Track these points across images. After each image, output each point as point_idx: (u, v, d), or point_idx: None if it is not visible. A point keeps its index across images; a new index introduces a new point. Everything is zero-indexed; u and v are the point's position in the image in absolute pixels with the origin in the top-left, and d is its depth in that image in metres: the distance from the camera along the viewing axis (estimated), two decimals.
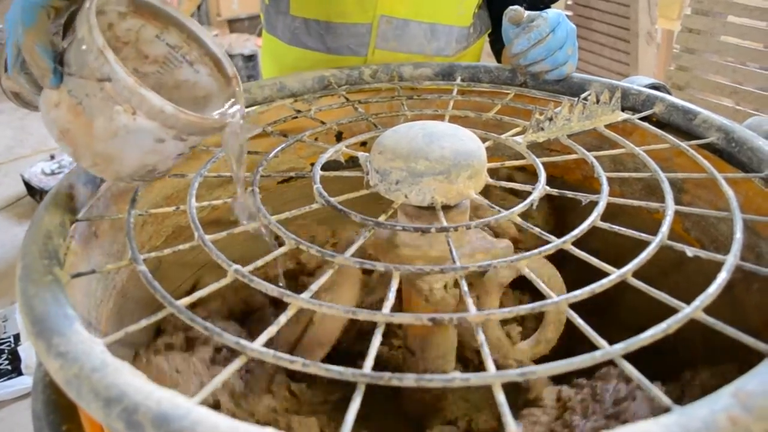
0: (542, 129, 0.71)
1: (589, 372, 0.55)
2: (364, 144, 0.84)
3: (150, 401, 0.34)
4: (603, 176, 0.61)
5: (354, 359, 0.80)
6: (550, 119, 0.71)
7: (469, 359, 0.83)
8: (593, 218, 0.54)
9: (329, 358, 0.72)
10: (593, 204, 0.56)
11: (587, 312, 0.45)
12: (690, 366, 0.67)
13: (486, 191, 0.76)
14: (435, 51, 1.10)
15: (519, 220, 0.55)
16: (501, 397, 0.35)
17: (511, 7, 0.86)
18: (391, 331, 0.87)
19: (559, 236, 0.51)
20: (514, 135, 0.72)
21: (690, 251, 0.49)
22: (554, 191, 0.59)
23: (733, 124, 0.72)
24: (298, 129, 0.79)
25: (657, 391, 0.36)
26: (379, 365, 0.36)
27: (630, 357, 0.39)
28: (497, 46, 1.20)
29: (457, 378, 0.36)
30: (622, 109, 0.79)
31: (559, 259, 0.59)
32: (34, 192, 2.65)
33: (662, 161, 0.74)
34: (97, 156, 0.53)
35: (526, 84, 0.91)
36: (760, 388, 0.34)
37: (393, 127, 0.63)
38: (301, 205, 0.59)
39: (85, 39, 0.48)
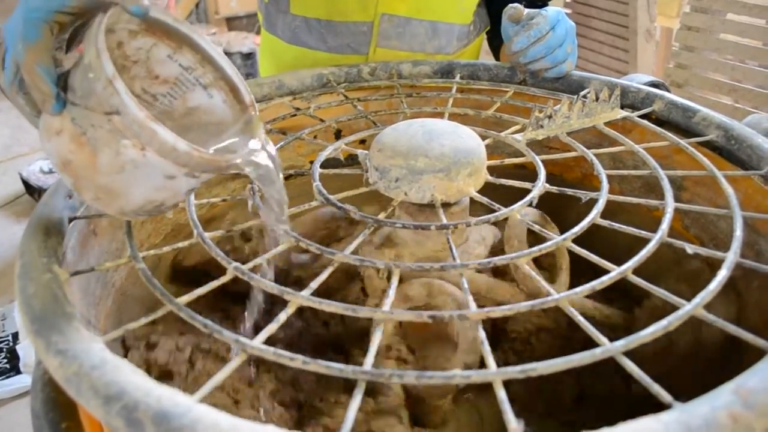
0: (542, 126, 0.71)
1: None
2: (363, 142, 0.84)
3: (150, 399, 0.34)
4: (603, 174, 0.61)
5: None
6: (550, 117, 0.71)
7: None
8: (593, 215, 0.54)
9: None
10: (592, 201, 0.56)
11: None
12: None
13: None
14: (436, 49, 1.09)
15: (518, 217, 0.55)
16: (502, 394, 0.35)
17: (510, 5, 0.86)
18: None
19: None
20: (513, 132, 0.72)
21: (690, 248, 0.49)
22: (554, 189, 0.59)
23: (733, 121, 0.72)
24: (297, 127, 0.79)
25: (658, 388, 0.36)
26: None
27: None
28: (495, 43, 1.20)
29: (458, 375, 0.36)
30: (622, 107, 0.79)
31: None
32: (32, 190, 2.64)
33: (661, 159, 0.74)
34: (100, 190, 0.48)
35: (526, 82, 0.91)
36: (762, 385, 0.34)
37: (392, 125, 0.63)
38: (300, 202, 0.59)
39: (93, 66, 0.43)
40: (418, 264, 0.47)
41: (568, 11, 3.00)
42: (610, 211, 0.55)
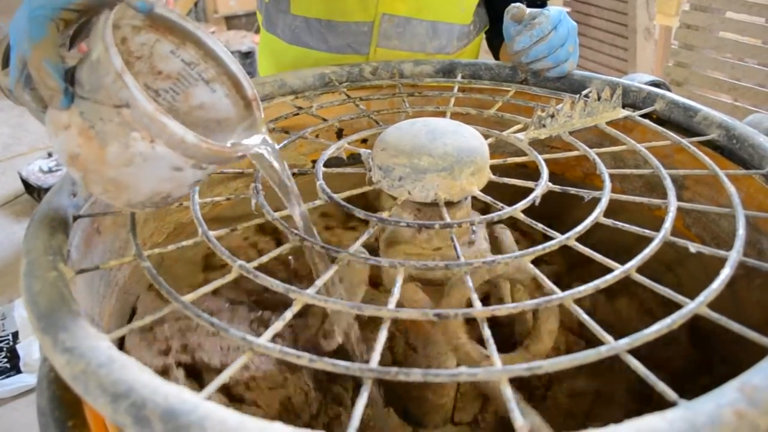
0: (544, 126, 0.71)
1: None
2: (365, 141, 0.84)
3: (158, 396, 0.34)
4: (605, 173, 0.61)
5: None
6: (552, 116, 0.71)
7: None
8: (596, 214, 0.54)
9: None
10: (595, 200, 0.56)
11: None
12: None
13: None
14: (436, 49, 1.10)
15: (522, 216, 0.55)
16: (508, 392, 0.35)
17: (513, 4, 0.86)
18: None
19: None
20: (515, 132, 0.72)
21: (693, 247, 0.49)
22: (557, 188, 0.59)
23: (734, 121, 0.72)
24: (299, 126, 0.79)
25: (663, 386, 0.36)
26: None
27: None
28: (495, 42, 1.20)
29: (464, 373, 0.36)
30: (623, 106, 0.79)
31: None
32: (32, 190, 2.64)
33: (663, 158, 0.74)
34: (108, 183, 0.48)
35: (527, 81, 0.91)
36: (766, 382, 0.34)
37: (395, 124, 0.63)
38: (302, 201, 0.59)
39: (102, 60, 0.44)
40: (423, 263, 0.47)
41: (568, 10, 3.00)
42: (610, 210, 0.55)
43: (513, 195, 0.60)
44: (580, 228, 0.52)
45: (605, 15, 2.83)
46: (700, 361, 0.75)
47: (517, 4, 0.86)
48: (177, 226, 0.81)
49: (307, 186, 0.64)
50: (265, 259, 0.49)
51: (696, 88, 2.39)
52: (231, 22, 4.60)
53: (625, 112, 0.77)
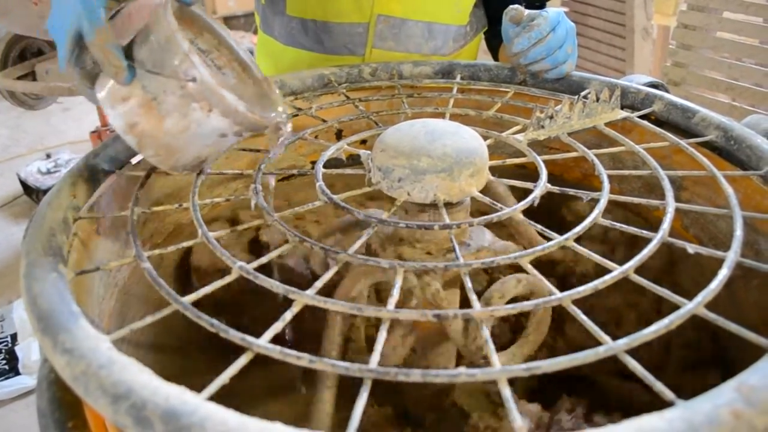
0: (543, 127, 0.71)
1: None
2: (364, 142, 0.84)
3: (158, 397, 0.34)
4: (604, 174, 0.61)
5: None
6: (551, 117, 0.71)
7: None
8: (595, 215, 0.54)
9: None
10: (593, 201, 0.57)
11: None
12: None
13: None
14: (432, 50, 1.10)
15: (521, 216, 0.55)
16: (507, 392, 0.35)
17: (511, 6, 0.86)
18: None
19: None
20: (514, 133, 0.72)
21: (691, 248, 0.49)
22: (555, 189, 0.59)
23: (732, 122, 0.72)
24: (299, 127, 0.79)
25: (661, 386, 0.36)
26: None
27: None
28: (494, 43, 1.20)
29: (463, 373, 0.36)
30: (622, 108, 0.79)
31: None
32: (30, 191, 2.64)
33: (661, 159, 0.74)
34: (161, 148, 0.56)
35: (526, 82, 0.91)
36: (763, 383, 0.34)
37: (395, 125, 0.64)
38: (302, 202, 0.59)
39: (169, 43, 0.51)
40: (422, 263, 0.47)
41: (566, 10, 3.00)
42: (608, 211, 0.56)
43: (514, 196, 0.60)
44: (579, 229, 0.52)
45: (603, 15, 2.83)
46: None
47: (516, 5, 0.86)
48: (176, 227, 0.81)
49: (307, 187, 0.64)
50: (264, 260, 0.50)
51: (693, 88, 2.39)
52: (230, 22, 4.60)
53: (624, 114, 0.77)
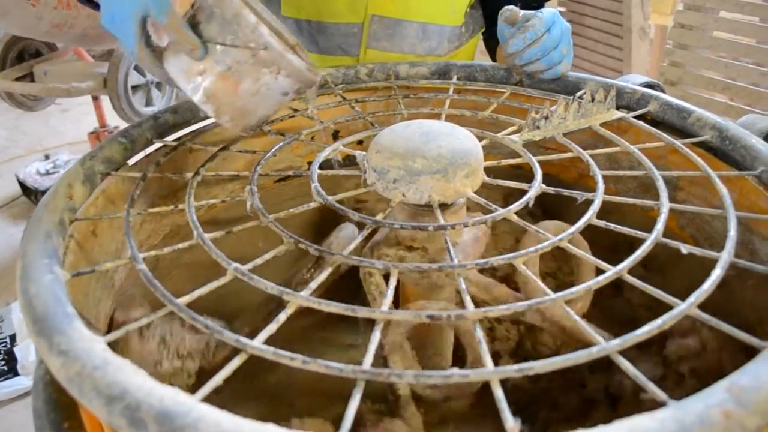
0: (538, 127, 0.71)
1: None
2: (360, 143, 0.85)
3: (152, 398, 0.34)
4: (598, 174, 0.62)
5: None
6: (546, 118, 0.71)
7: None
8: (589, 216, 0.54)
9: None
10: (588, 202, 0.57)
11: None
12: None
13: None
14: (427, 50, 1.10)
15: (515, 218, 0.55)
16: (499, 393, 0.36)
17: (506, 6, 0.86)
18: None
19: None
20: (510, 134, 0.73)
21: (684, 248, 0.50)
22: (550, 189, 0.60)
23: (727, 122, 0.72)
24: (295, 128, 0.79)
25: (653, 386, 0.36)
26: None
27: None
28: (491, 44, 1.21)
29: (456, 374, 0.36)
30: (617, 108, 0.80)
31: None
32: (29, 192, 2.64)
33: (657, 159, 0.74)
34: (236, 112, 0.62)
35: (522, 83, 0.91)
36: (754, 383, 0.34)
37: (390, 126, 0.64)
38: (298, 203, 0.59)
39: (238, 17, 0.58)
40: (416, 265, 0.47)
41: (563, 10, 3.01)
42: (605, 212, 0.56)
43: (509, 196, 0.60)
44: (573, 230, 0.52)
45: (600, 15, 2.83)
46: None
47: (511, 6, 0.86)
48: (173, 229, 0.81)
49: (304, 188, 0.64)
50: (259, 261, 0.50)
51: (690, 87, 2.39)
52: None
53: (619, 114, 0.77)
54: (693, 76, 2.38)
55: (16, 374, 1.80)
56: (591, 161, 0.64)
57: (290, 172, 0.70)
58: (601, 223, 0.54)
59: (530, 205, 0.57)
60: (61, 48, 2.65)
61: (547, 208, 0.92)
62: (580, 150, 0.67)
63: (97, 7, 0.81)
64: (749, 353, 0.39)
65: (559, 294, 0.44)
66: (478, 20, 1.18)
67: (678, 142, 0.69)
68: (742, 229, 0.68)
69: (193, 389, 0.52)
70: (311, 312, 0.44)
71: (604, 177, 0.62)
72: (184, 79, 0.61)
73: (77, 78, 2.34)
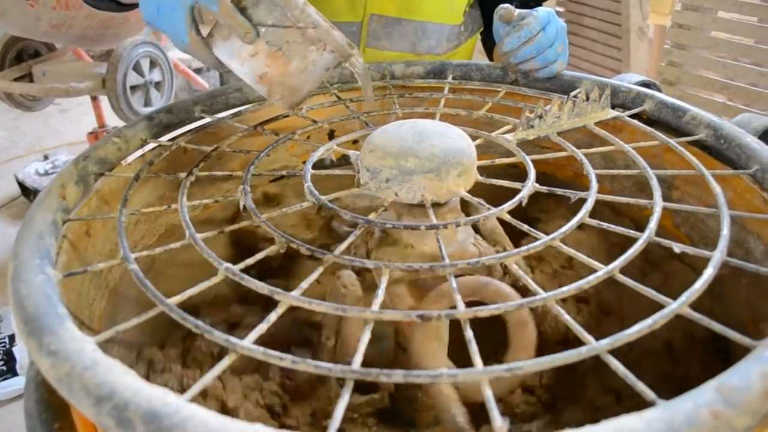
0: (532, 127, 0.71)
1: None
2: (355, 142, 0.85)
3: (140, 398, 0.34)
4: (592, 173, 0.62)
5: None
6: (540, 117, 0.71)
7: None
8: (582, 215, 0.54)
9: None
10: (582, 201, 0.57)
11: None
12: None
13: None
14: (426, 49, 1.10)
15: (508, 217, 0.55)
16: (488, 393, 0.36)
17: (501, 5, 0.86)
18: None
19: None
20: (504, 133, 0.73)
21: (677, 247, 0.49)
22: (543, 188, 0.60)
23: (722, 121, 0.72)
24: (290, 128, 0.79)
25: (642, 386, 0.36)
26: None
27: None
28: (489, 43, 1.21)
29: (444, 374, 0.36)
30: (613, 107, 0.79)
31: None
32: (28, 192, 2.64)
33: (652, 158, 0.74)
34: (286, 89, 0.66)
35: (518, 82, 0.91)
36: (744, 383, 0.34)
37: (383, 126, 0.64)
38: (294, 203, 0.59)
39: (284, 1, 0.61)
40: (408, 264, 0.47)
41: (561, 10, 3.00)
42: (601, 211, 0.56)
43: (503, 195, 0.60)
44: (565, 228, 0.52)
45: (598, 15, 2.83)
46: None
47: (506, 5, 0.86)
48: (168, 228, 0.81)
49: (299, 188, 0.64)
50: (251, 261, 0.50)
51: (688, 87, 2.39)
52: None
53: (614, 113, 0.77)
54: (691, 76, 2.37)
55: (15, 374, 1.80)
56: (585, 160, 0.64)
57: (284, 172, 0.70)
58: (594, 222, 0.54)
59: (523, 204, 0.57)
60: (59, 48, 2.64)
61: (542, 208, 0.93)
62: (574, 149, 0.67)
63: (120, 6, 0.82)
64: None
65: (551, 293, 0.44)
66: (477, 20, 1.18)
67: (672, 141, 0.69)
68: (737, 229, 0.67)
69: None
70: None
71: (600, 176, 0.61)
72: (236, 62, 0.65)
73: (76, 78, 2.34)
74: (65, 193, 0.61)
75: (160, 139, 0.75)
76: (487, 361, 0.38)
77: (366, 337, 0.40)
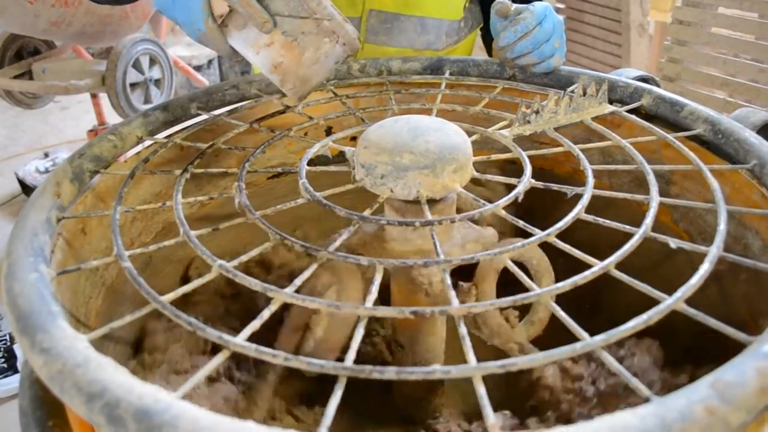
0: (528, 122, 0.71)
1: None
2: (353, 139, 0.84)
3: (131, 396, 0.34)
4: (588, 169, 0.61)
5: None
6: (537, 112, 0.71)
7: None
8: (577, 210, 0.54)
9: None
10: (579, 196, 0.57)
11: None
12: None
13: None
14: (425, 45, 1.10)
15: (503, 213, 0.55)
16: (481, 390, 0.35)
17: (498, 0, 0.86)
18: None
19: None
20: (501, 128, 0.72)
21: (673, 243, 0.49)
22: (539, 184, 0.59)
23: (720, 115, 0.72)
24: (287, 125, 0.79)
25: (636, 382, 0.36)
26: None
27: None
28: (488, 38, 1.20)
29: (438, 370, 0.36)
30: (610, 102, 0.79)
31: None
32: (28, 190, 2.64)
33: (650, 153, 0.74)
34: (298, 80, 0.68)
35: (515, 77, 0.91)
36: (739, 379, 0.34)
37: (378, 122, 0.64)
38: (290, 200, 0.59)
39: None
40: (402, 260, 0.47)
41: (561, 6, 3.00)
42: (599, 207, 0.55)
43: (501, 190, 0.60)
44: (561, 224, 0.52)
45: (599, 11, 2.82)
46: None
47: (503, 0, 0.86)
48: (165, 226, 0.81)
49: (296, 184, 0.64)
50: (244, 258, 0.49)
51: (689, 83, 2.38)
52: None
53: (611, 108, 0.77)
54: (692, 72, 2.37)
55: (16, 372, 1.80)
56: (581, 155, 0.64)
57: (279, 169, 0.70)
58: (590, 218, 0.53)
59: (519, 199, 0.57)
60: (59, 46, 2.64)
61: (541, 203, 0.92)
62: (571, 144, 0.67)
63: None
64: None
65: (545, 289, 0.44)
66: (476, 15, 1.18)
67: (670, 136, 0.69)
68: (735, 224, 0.67)
69: None
70: None
71: (598, 171, 0.61)
72: (252, 51, 0.66)
73: (76, 76, 2.34)
74: (60, 190, 0.61)
75: (156, 137, 0.75)
76: None
77: (359, 334, 0.40)
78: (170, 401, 0.33)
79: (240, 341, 0.39)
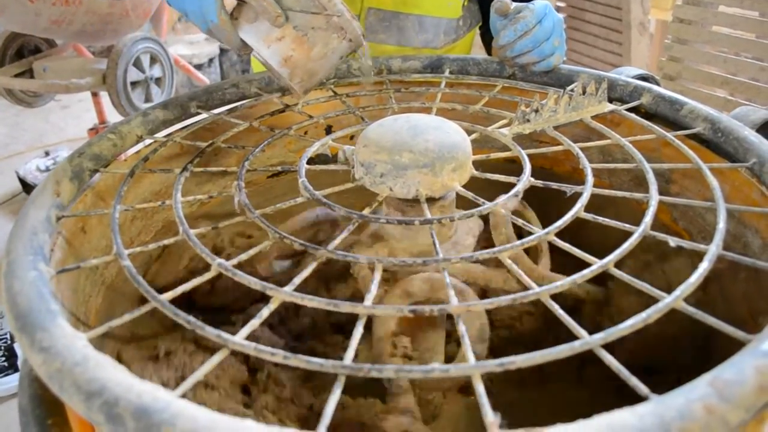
0: (528, 121, 0.71)
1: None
2: (353, 137, 0.84)
3: (130, 394, 0.34)
4: (588, 167, 0.61)
5: None
6: (536, 111, 0.71)
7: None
8: (577, 209, 0.54)
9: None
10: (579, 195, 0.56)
11: None
12: None
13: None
14: (423, 43, 1.09)
15: (503, 211, 0.55)
16: (480, 388, 0.35)
17: None
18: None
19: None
20: (500, 127, 0.72)
21: (672, 241, 0.49)
22: (539, 182, 0.59)
23: (720, 114, 0.72)
24: (287, 123, 0.79)
25: (635, 380, 0.36)
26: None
27: None
28: (487, 38, 1.20)
29: (437, 369, 0.36)
30: (611, 100, 0.79)
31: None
32: (29, 189, 2.64)
33: (650, 152, 0.74)
34: (306, 74, 0.69)
35: (515, 76, 0.91)
36: (738, 377, 0.34)
37: (378, 120, 0.64)
38: (290, 199, 0.59)
39: None
40: (401, 259, 0.47)
41: (562, 4, 2.99)
42: (599, 205, 0.55)
43: (500, 189, 0.60)
44: (560, 223, 0.52)
45: (600, 10, 2.82)
46: None
47: None
48: (165, 225, 0.81)
49: (295, 183, 0.64)
50: (244, 257, 0.49)
51: (689, 82, 2.38)
52: None
53: (611, 106, 0.76)
54: (692, 71, 2.36)
55: (17, 370, 1.80)
56: (581, 154, 0.64)
57: (279, 168, 0.70)
58: (589, 216, 0.53)
59: (519, 197, 0.57)
60: (60, 44, 2.64)
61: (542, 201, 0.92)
62: (570, 143, 0.67)
63: None
64: None
65: (544, 287, 0.44)
66: (475, 14, 1.18)
67: (669, 135, 0.69)
68: (735, 223, 0.67)
69: None
70: None
71: (598, 170, 0.61)
72: (262, 45, 0.68)
73: (76, 74, 2.34)
74: (60, 189, 0.61)
75: (156, 135, 0.75)
76: None
77: (358, 332, 0.40)
78: (169, 400, 0.33)
79: (239, 340, 0.39)
